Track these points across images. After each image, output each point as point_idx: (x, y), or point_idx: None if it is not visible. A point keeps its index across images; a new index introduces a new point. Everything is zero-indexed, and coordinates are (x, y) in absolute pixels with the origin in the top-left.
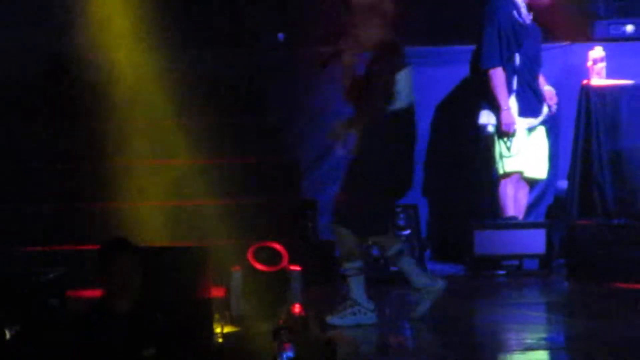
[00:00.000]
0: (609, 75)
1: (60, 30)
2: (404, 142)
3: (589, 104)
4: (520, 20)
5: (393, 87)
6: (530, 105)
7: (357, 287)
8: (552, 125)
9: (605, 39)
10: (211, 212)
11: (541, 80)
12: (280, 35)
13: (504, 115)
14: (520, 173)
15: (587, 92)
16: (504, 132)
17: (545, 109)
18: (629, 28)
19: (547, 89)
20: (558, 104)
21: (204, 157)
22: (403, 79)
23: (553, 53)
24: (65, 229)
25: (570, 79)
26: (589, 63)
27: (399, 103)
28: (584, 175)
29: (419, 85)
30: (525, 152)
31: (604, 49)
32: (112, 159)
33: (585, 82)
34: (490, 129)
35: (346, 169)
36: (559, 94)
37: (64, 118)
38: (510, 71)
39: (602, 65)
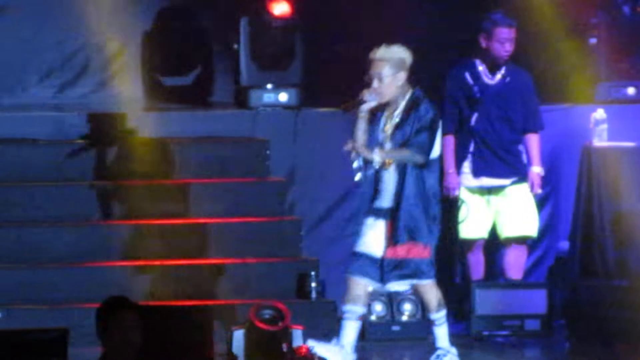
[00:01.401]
0: (611, 137)
1: None
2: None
3: (590, 166)
4: (471, 83)
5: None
6: (487, 165)
7: (349, 333)
8: (554, 187)
9: (607, 101)
10: (213, 271)
11: (533, 142)
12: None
13: (445, 178)
14: (477, 239)
15: (589, 154)
16: (447, 197)
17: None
18: (631, 90)
19: (534, 171)
20: (560, 165)
21: (205, 216)
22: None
23: (555, 115)
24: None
25: (572, 140)
26: (591, 125)
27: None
28: (585, 237)
29: None
30: (479, 216)
31: (606, 111)
32: (116, 217)
33: (587, 143)
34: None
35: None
36: (560, 155)
37: None
38: (466, 133)
39: (603, 127)
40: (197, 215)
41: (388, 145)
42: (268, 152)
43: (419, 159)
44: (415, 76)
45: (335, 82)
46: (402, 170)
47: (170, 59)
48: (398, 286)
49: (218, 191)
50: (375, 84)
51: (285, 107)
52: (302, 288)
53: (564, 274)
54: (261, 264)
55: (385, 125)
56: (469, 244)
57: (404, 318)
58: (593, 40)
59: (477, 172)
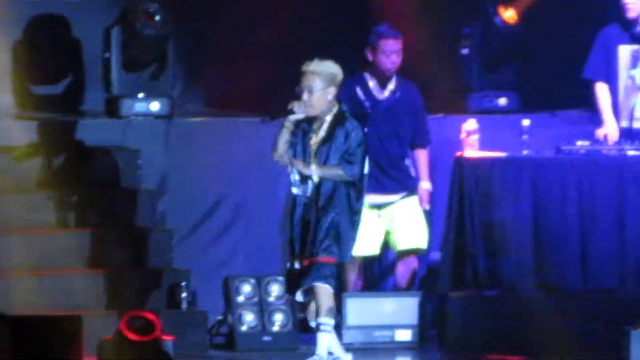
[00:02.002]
0: (482, 147)
1: None
2: None
3: (462, 176)
4: (362, 98)
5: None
6: (376, 182)
7: (329, 344)
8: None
9: (478, 112)
10: (84, 281)
11: (422, 157)
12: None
13: None
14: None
15: (461, 164)
16: None
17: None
18: (502, 101)
19: (423, 187)
20: (432, 175)
21: (76, 225)
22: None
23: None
24: None
25: (444, 150)
26: (463, 135)
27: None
28: (456, 247)
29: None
30: (371, 232)
31: (477, 122)
32: None
33: (458, 154)
34: None
35: None
36: (433, 165)
37: None
38: None
39: (475, 137)
40: (68, 224)
41: (313, 160)
42: (139, 161)
43: (351, 177)
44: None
45: (207, 91)
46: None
47: (41, 68)
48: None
49: (89, 200)
50: (305, 96)
51: (157, 116)
52: (172, 298)
53: (435, 285)
54: (132, 274)
55: (311, 139)
56: (353, 261)
57: (275, 328)
58: (465, 51)
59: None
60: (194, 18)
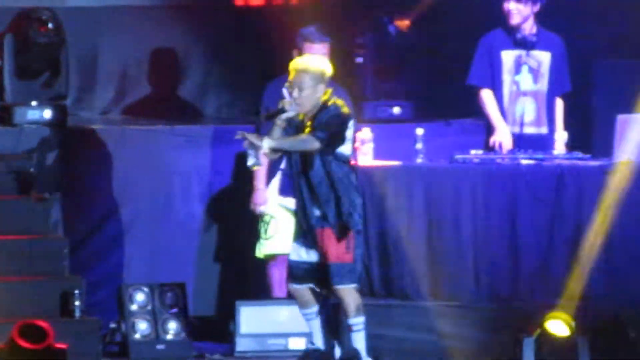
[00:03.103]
0: (377, 156)
1: None
2: None
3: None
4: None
5: (346, 130)
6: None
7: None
8: None
9: (372, 120)
10: None
11: None
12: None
13: (253, 195)
14: (283, 255)
15: (355, 173)
16: (256, 214)
17: None
18: (396, 110)
19: None
20: None
21: None
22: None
23: None
24: None
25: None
26: (357, 144)
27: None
28: None
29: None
30: (287, 232)
31: (372, 130)
32: None
33: (353, 162)
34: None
35: None
36: None
37: None
38: None
39: (369, 146)
40: None
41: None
42: (32, 169)
43: (314, 145)
44: None
45: (101, 97)
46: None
47: None
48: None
49: None
50: (295, 93)
51: (50, 124)
52: (66, 306)
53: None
54: (24, 282)
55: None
56: (274, 258)
57: (169, 337)
58: (359, 60)
59: (283, 190)
60: (88, 25)
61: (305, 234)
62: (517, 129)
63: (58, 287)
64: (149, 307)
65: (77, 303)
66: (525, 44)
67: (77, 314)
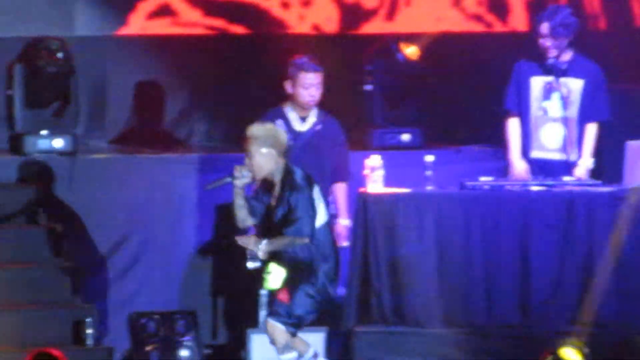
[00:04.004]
0: (386, 183)
1: None
2: None
3: (366, 212)
4: (284, 130)
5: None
6: None
7: None
8: None
9: (381, 148)
10: None
11: (341, 192)
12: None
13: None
14: None
15: (364, 200)
16: None
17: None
18: (405, 137)
19: (342, 224)
20: None
21: None
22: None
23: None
24: None
25: (348, 187)
26: (366, 171)
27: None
28: (362, 282)
29: None
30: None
31: (381, 157)
32: None
33: (362, 190)
34: None
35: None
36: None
37: None
38: None
39: (379, 173)
40: None
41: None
42: (42, 198)
43: (304, 241)
44: None
45: (111, 128)
46: None
47: None
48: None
49: None
50: (246, 161)
51: (61, 153)
52: (78, 335)
53: (340, 321)
54: (36, 311)
55: (271, 203)
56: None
57: None
58: (368, 87)
59: None
60: (97, 55)
61: None
62: (543, 155)
63: (70, 315)
64: (161, 335)
65: (89, 331)
66: (556, 71)
67: (89, 342)
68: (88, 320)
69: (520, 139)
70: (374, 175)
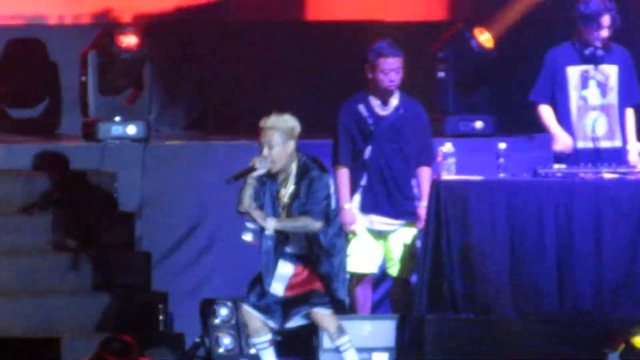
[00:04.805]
0: (459, 170)
1: None
2: None
3: (439, 199)
4: (365, 115)
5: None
6: (377, 202)
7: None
8: None
9: (455, 135)
10: (62, 304)
11: (425, 175)
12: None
13: (341, 214)
14: (366, 274)
15: (438, 187)
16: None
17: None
18: (478, 124)
19: (423, 206)
20: None
21: (54, 248)
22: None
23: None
24: None
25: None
26: (439, 158)
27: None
28: (433, 269)
29: None
30: (369, 251)
31: (454, 145)
32: None
33: (435, 177)
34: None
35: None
36: None
37: None
38: (359, 166)
39: (452, 160)
40: (44, 248)
41: (284, 215)
42: (116, 184)
43: (316, 226)
44: None
45: (183, 114)
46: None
47: (18, 92)
48: (297, 322)
49: (67, 223)
50: (265, 151)
51: (133, 139)
52: (150, 320)
53: (412, 307)
54: (109, 297)
55: (279, 192)
56: (358, 278)
57: (252, 351)
58: (441, 75)
59: (365, 208)
60: (170, 41)
61: None
62: (590, 144)
63: (142, 301)
64: (233, 322)
65: (161, 317)
66: (595, 59)
67: (161, 328)
68: (160, 306)
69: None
70: (447, 162)
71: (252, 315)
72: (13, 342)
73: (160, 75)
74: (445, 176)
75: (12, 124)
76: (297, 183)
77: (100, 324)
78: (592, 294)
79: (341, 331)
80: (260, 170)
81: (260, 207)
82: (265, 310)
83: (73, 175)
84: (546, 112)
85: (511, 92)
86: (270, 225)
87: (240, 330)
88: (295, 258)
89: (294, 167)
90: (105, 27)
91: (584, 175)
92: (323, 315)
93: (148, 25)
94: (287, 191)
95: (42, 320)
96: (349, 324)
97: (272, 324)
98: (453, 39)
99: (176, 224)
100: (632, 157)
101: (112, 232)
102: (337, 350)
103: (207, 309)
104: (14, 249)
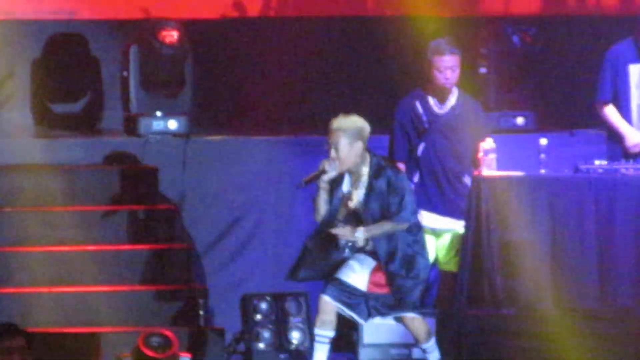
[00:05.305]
0: (500, 166)
1: None
2: None
3: (479, 195)
4: (420, 112)
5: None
6: (428, 198)
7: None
8: None
9: (496, 131)
10: (102, 298)
11: None
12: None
13: None
14: None
15: (478, 183)
16: None
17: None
18: (520, 120)
19: None
20: None
21: (95, 242)
22: None
23: None
24: None
25: None
26: (480, 154)
27: None
28: (474, 265)
29: None
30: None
31: (495, 141)
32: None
33: (476, 173)
34: None
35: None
36: None
37: None
38: (413, 163)
39: (493, 156)
40: (86, 242)
41: (361, 215)
42: (157, 179)
43: (403, 226)
44: None
45: (225, 110)
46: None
47: (60, 86)
48: (382, 320)
49: (108, 218)
50: (333, 153)
51: (175, 134)
52: (190, 315)
53: (452, 303)
54: (150, 291)
55: (351, 194)
56: None
57: (292, 346)
58: (483, 70)
59: (417, 205)
60: (212, 36)
61: None
62: None
63: (183, 296)
64: (273, 317)
65: (201, 312)
66: None
67: (201, 323)
68: (201, 301)
69: None
70: (488, 158)
71: (332, 308)
72: (54, 335)
73: (202, 70)
74: (486, 172)
75: (54, 119)
76: (371, 183)
77: (140, 319)
78: (633, 290)
79: (429, 334)
80: (331, 173)
81: (334, 212)
82: (349, 304)
83: (114, 170)
84: (612, 111)
85: (553, 88)
86: (360, 236)
87: (280, 324)
88: (374, 255)
89: (365, 168)
90: (147, 22)
91: (625, 171)
92: (414, 319)
93: (190, 21)
94: (359, 192)
95: (84, 313)
96: (389, 319)
97: (357, 317)
98: (495, 35)
99: (217, 219)
100: None
101: (152, 227)
102: (423, 352)
103: (247, 304)
104: (55, 242)
